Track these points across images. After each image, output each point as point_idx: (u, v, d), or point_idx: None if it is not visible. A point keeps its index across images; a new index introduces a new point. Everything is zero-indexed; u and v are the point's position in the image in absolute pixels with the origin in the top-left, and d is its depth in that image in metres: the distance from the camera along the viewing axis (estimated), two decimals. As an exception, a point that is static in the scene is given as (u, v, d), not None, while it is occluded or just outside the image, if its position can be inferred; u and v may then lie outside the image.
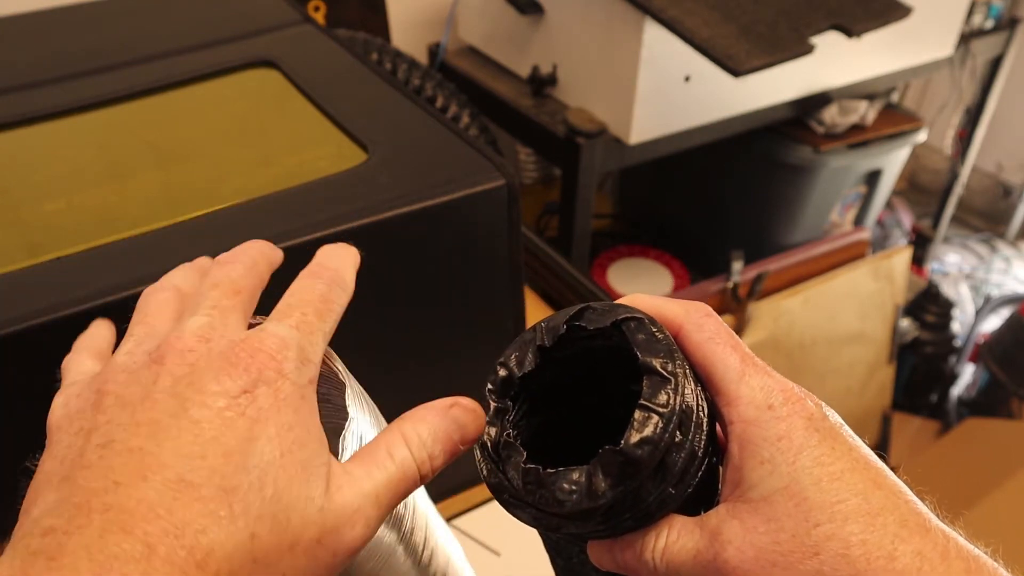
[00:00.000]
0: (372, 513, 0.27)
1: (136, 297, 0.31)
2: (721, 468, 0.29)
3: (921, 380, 1.83)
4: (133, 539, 0.23)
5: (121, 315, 0.43)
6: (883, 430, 1.72)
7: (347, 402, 0.31)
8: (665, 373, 0.27)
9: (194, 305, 0.29)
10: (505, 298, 0.60)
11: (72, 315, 0.42)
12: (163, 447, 0.24)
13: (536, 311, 0.96)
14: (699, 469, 0.28)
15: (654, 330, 0.28)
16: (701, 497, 0.29)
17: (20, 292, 0.43)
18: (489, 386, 0.30)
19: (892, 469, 0.27)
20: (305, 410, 0.27)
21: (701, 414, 0.28)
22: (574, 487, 0.26)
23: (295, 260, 0.46)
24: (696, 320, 0.29)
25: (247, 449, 0.25)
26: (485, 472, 0.29)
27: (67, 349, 0.31)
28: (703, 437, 0.28)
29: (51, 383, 0.28)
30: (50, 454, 0.26)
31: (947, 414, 1.85)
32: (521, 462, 0.28)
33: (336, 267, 0.31)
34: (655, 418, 0.26)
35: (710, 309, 0.30)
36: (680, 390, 0.27)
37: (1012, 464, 1.34)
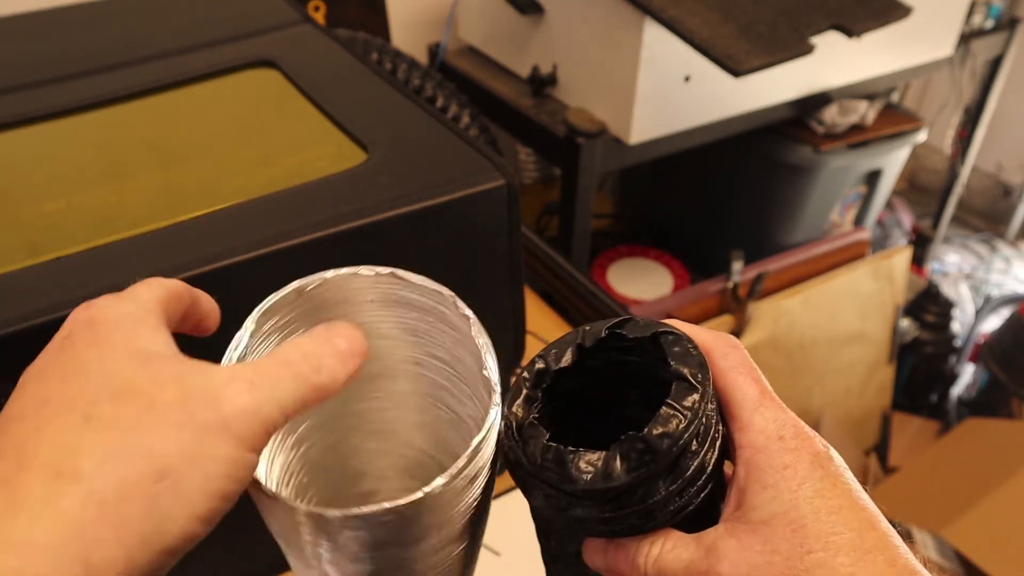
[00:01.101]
0: (251, 375, 0.25)
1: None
2: (720, 503, 0.30)
3: (921, 380, 1.83)
4: None
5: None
6: (883, 430, 1.72)
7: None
8: (695, 381, 0.29)
9: None
10: (505, 298, 0.60)
11: (72, 315, 0.42)
12: None
13: (536, 311, 0.95)
14: (703, 488, 0.29)
15: (690, 347, 0.30)
16: (698, 520, 0.30)
17: (20, 292, 0.43)
18: (524, 374, 0.32)
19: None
20: (137, 327, 0.26)
21: (716, 435, 0.30)
22: (591, 467, 0.28)
23: (295, 260, 0.46)
24: (723, 349, 0.31)
25: (64, 346, 0.26)
26: (506, 449, 0.31)
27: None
28: (714, 456, 0.29)
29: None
30: None
31: (947, 414, 1.84)
32: (543, 441, 0.29)
33: None
34: (679, 416, 0.28)
35: (738, 342, 0.32)
36: (705, 400, 0.28)
37: (1012, 464, 1.34)
